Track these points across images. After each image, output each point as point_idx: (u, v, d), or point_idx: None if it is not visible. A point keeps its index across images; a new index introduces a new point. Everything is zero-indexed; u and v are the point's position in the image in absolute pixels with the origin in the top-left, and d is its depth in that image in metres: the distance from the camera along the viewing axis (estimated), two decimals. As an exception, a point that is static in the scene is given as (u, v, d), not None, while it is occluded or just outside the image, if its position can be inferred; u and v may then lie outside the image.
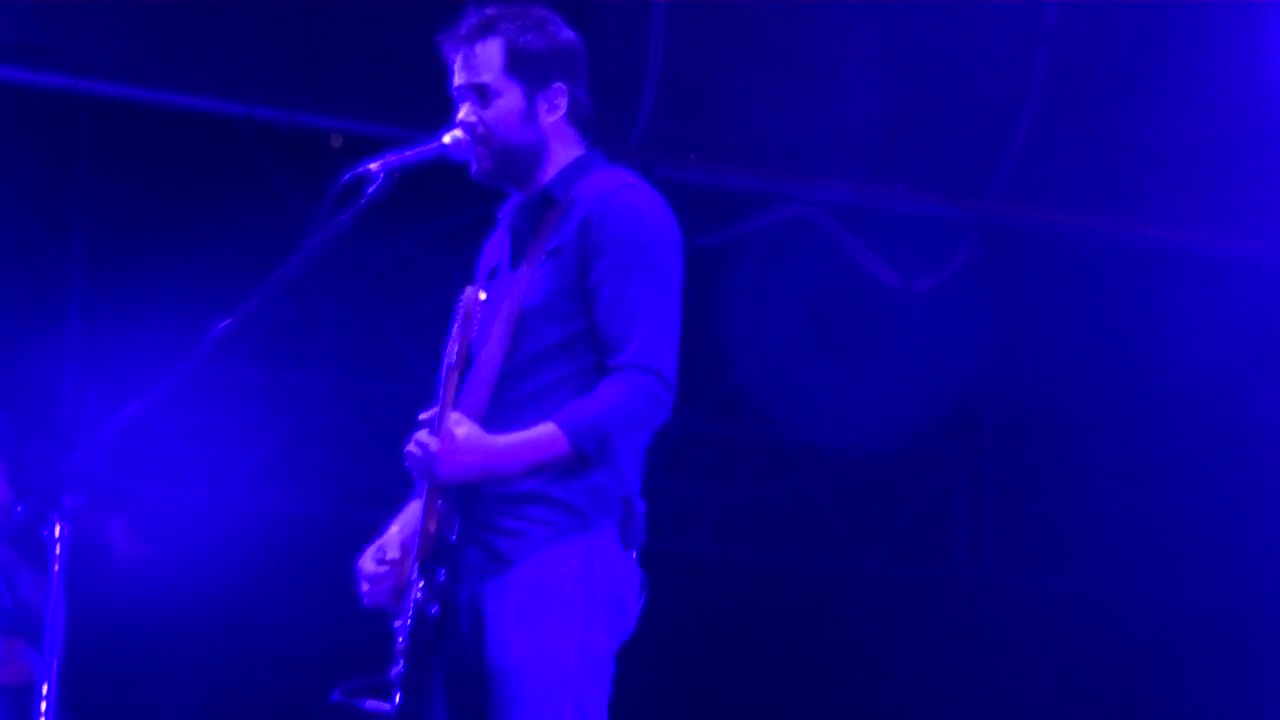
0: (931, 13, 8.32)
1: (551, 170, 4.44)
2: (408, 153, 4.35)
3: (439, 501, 4.28)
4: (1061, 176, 8.71)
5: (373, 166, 4.29)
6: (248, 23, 7.99)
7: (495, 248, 4.58)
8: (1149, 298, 9.17)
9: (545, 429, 4.20)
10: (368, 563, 4.41)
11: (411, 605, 4.27)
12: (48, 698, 3.94)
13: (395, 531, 4.44)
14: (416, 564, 4.29)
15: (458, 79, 4.41)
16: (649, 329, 4.27)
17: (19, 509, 3.99)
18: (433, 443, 4.20)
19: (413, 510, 4.46)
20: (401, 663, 4.31)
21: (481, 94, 4.39)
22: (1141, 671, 9.57)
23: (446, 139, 4.40)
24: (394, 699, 4.33)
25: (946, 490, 9.98)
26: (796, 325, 9.22)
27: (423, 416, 4.26)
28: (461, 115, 4.40)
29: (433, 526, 4.28)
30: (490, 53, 4.38)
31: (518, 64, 4.39)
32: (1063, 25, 8.44)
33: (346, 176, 4.25)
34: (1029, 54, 8.46)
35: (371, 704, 4.40)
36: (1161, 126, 8.52)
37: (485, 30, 4.40)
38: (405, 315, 9.04)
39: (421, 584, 4.27)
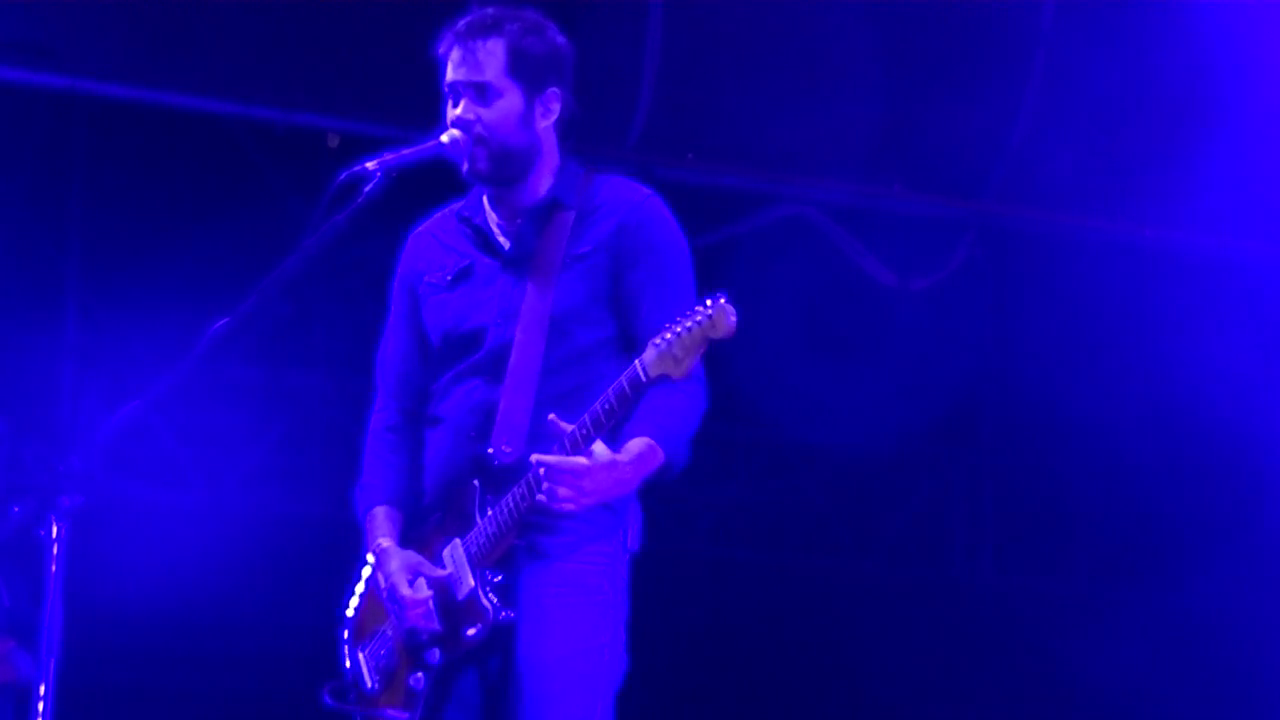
0: (928, 13, 8.32)
1: (545, 174, 4.46)
2: (405, 152, 4.34)
3: (510, 510, 4.29)
4: (1058, 177, 8.71)
5: (370, 165, 4.28)
6: (244, 23, 7.98)
7: (446, 249, 4.56)
8: (1145, 297, 9.16)
9: (646, 444, 4.24)
10: (404, 587, 4.37)
11: (483, 613, 4.27)
12: (45, 698, 3.93)
13: (406, 554, 4.42)
14: (472, 570, 4.31)
15: (454, 74, 4.41)
16: None
17: (15, 509, 3.98)
18: (582, 462, 4.15)
19: (380, 530, 4.48)
20: (438, 667, 4.32)
21: (481, 92, 4.39)
22: (1138, 672, 9.56)
23: (444, 138, 4.40)
24: (419, 704, 4.35)
25: (943, 490, 9.98)
26: (793, 325, 9.22)
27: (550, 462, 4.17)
28: (458, 112, 4.39)
29: (510, 537, 4.29)
30: (493, 52, 4.39)
31: (519, 66, 4.40)
32: (1059, 26, 8.44)
33: (343, 176, 4.25)
34: (1026, 54, 8.46)
35: (391, 713, 4.40)
36: (1157, 127, 8.52)
37: (488, 29, 4.40)
38: (403, 315, 9.02)
39: (489, 592, 4.28)
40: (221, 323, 4.10)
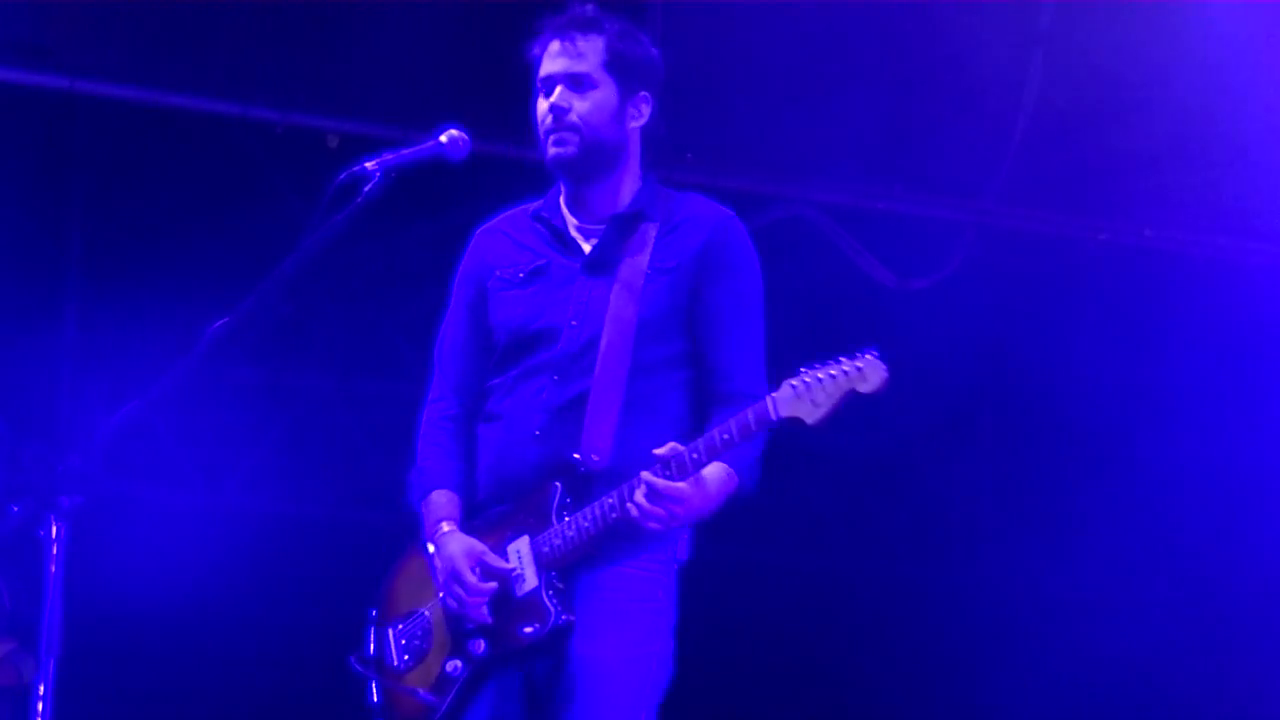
0: (928, 14, 8.32)
1: (627, 180, 4.55)
2: (404, 152, 4.37)
3: (596, 518, 4.33)
4: (1058, 177, 8.71)
5: (369, 166, 4.30)
6: (244, 23, 7.98)
7: (520, 246, 4.60)
8: (1145, 299, 9.16)
9: (724, 471, 4.34)
10: (468, 573, 4.41)
11: (544, 614, 4.32)
12: (45, 698, 3.94)
13: (470, 541, 4.44)
14: (538, 570, 4.35)
15: (551, 66, 4.53)
16: (758, 357, 4.52)
17: (15, 509, 3.98)
18: (685, 488, 4.24)
19: (441, 512, 4.49)
20: (481, 659, 4.34)
21: (578, 82, 4.50)
22: (1139, 673, 9.56)
23: (443, 138, 4.43)
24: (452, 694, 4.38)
25: (944, 491, 9.97)
26: (793, 326, 9.19)
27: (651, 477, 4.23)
28: (553, 99, 4.47)
29: (589, 545, 4.34)
30: (592, 47, 4.54)
31: (616, 64, 4.55)
32: (1059, 26, 8.43)
33: (343, 176, 4.26)
34: (1025, 55, 8.46)
35: (422, 694, 4.41)
36: (1157, 127, 8.52)
37: (589, 26, 4.56)
38: (402, 315, 9.03)
39: (552, 594, 4.32)
40: (221, 323, 4.11)
